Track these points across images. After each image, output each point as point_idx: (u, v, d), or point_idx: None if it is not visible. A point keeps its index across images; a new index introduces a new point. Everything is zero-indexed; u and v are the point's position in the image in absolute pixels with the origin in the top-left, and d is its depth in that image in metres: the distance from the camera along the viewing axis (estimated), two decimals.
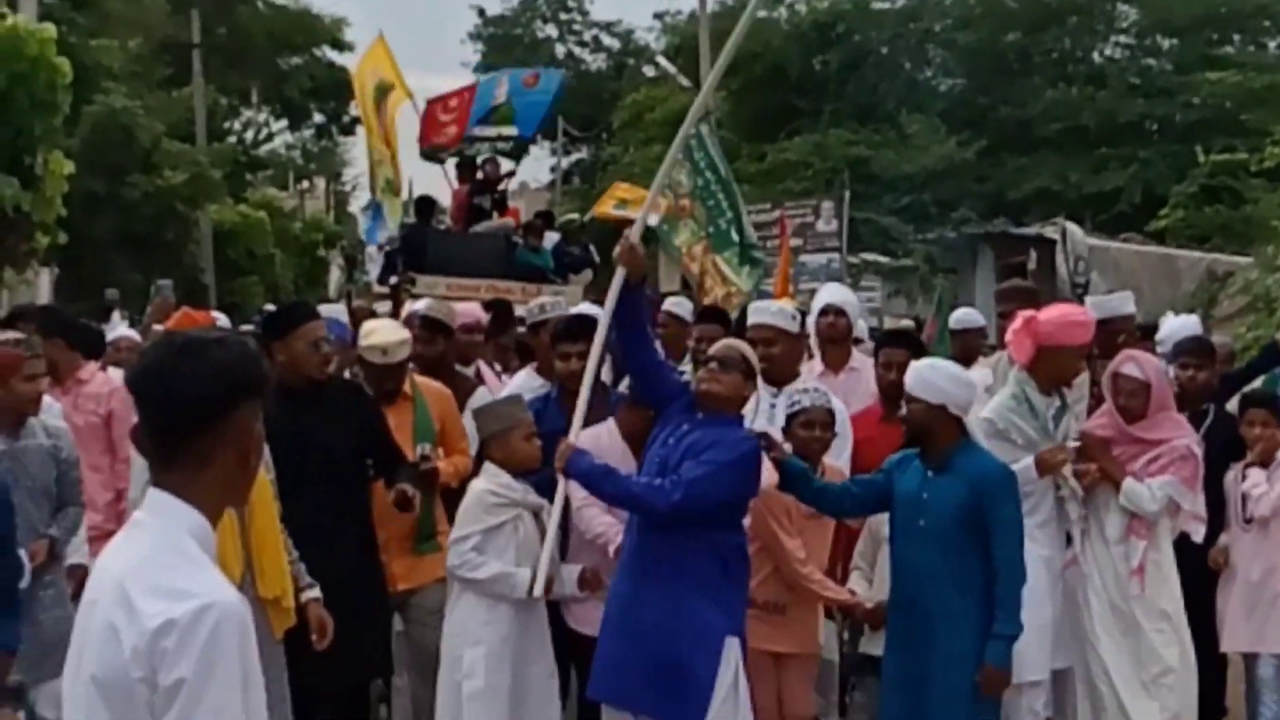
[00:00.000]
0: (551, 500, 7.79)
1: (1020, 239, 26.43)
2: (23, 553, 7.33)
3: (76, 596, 6.94)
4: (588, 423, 7.74)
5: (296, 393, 7.54)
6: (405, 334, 8.68)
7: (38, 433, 7.68)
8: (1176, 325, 9.64)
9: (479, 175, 20.99)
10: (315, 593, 6.99)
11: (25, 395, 7.55)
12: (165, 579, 3.12)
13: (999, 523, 7.09)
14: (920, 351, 8.76)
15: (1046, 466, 7.90)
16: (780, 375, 8.59)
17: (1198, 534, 8.20)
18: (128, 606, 3.09)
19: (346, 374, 9.21)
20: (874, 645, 7.83)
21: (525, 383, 9.22)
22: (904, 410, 7.41)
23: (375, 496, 8.13)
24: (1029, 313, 8.48)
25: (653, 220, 8.72)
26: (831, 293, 10.14)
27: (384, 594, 7.97)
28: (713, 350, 7.28)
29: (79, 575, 7.58)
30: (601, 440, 7.80)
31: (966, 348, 11.22)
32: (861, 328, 10.52)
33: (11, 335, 7.90)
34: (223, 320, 11.63)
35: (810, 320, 9.90)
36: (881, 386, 8.82)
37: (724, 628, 6.94)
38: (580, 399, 7.39)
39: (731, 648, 6.93)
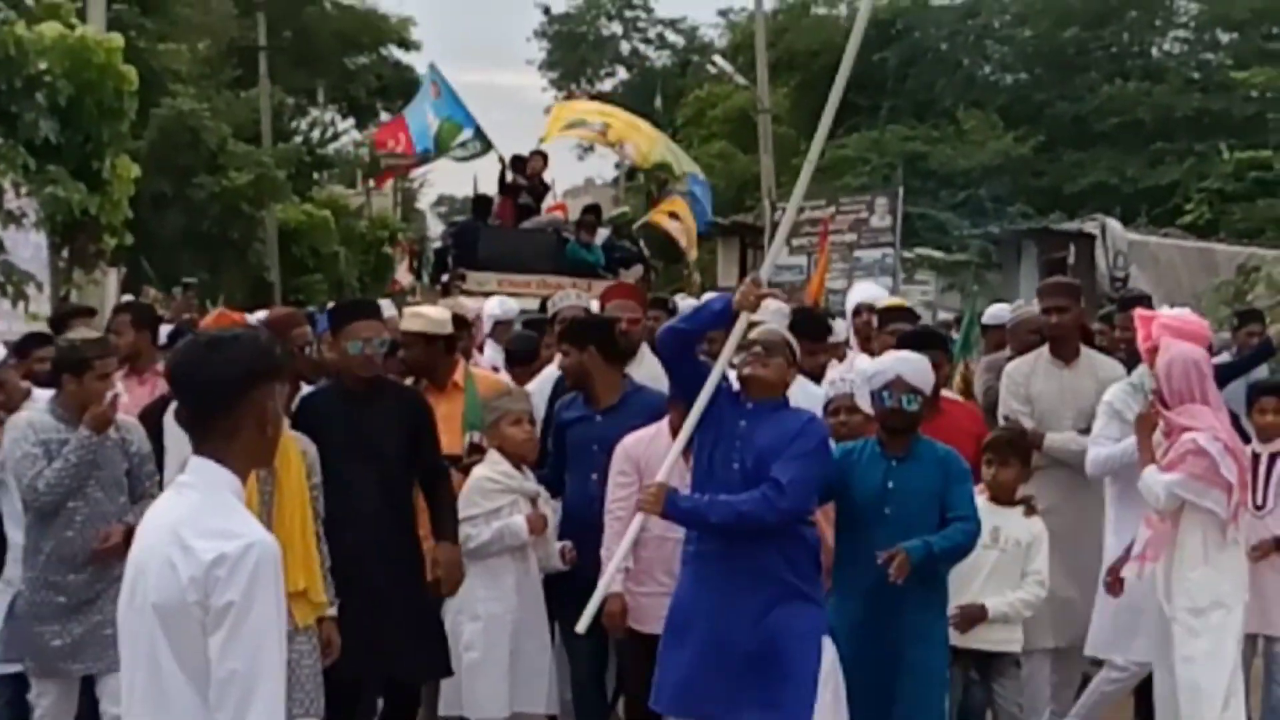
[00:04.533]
0: (556, 493, 8.40)
1: (1061, 234, 26.69)
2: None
3: None
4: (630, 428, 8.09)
5: (352, 392, 7.75)
6: (445, 313, 9.09)
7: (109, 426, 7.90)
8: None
9: (526, 171, 21.14)
10: (331, 611, 7.19)
11: (98, 391, 7.82)
12: (214, 524, 3.85)
13: (963, 496, 7.33)
14: (946, 350, 9.09)
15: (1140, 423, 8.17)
16: None
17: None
18: (183, 546, 3.83)
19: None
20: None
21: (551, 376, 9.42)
22: (894, 405, 7.38)
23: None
24: (1149, 312, 8.88)
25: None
26: (862, 291, 10.48)
27: (431, 593, 8.03)
28: (755, 335, 7.25)
29: None
30: (654, 441, 7.87)
31: (998, 342, 11.59)
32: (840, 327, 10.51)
33: (91, 334, 8.35)
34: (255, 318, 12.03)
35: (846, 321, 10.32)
36: None
37: (822, 628, 6.94)
38: (675, 445, 7.17)
39: (829, 649, 6.91)
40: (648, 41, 66.93)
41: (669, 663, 7.03)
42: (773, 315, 8.80)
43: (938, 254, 30.49)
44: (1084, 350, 9.46)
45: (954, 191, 35.68)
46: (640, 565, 7.89)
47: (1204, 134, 36.57)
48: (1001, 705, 8.14)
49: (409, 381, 8.89)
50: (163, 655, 3.84)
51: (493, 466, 8.24)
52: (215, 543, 3.80)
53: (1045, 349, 9.49)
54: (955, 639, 7.83)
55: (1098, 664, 10.20)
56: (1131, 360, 9.85)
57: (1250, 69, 34.19)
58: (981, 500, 7.93)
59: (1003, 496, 8.18)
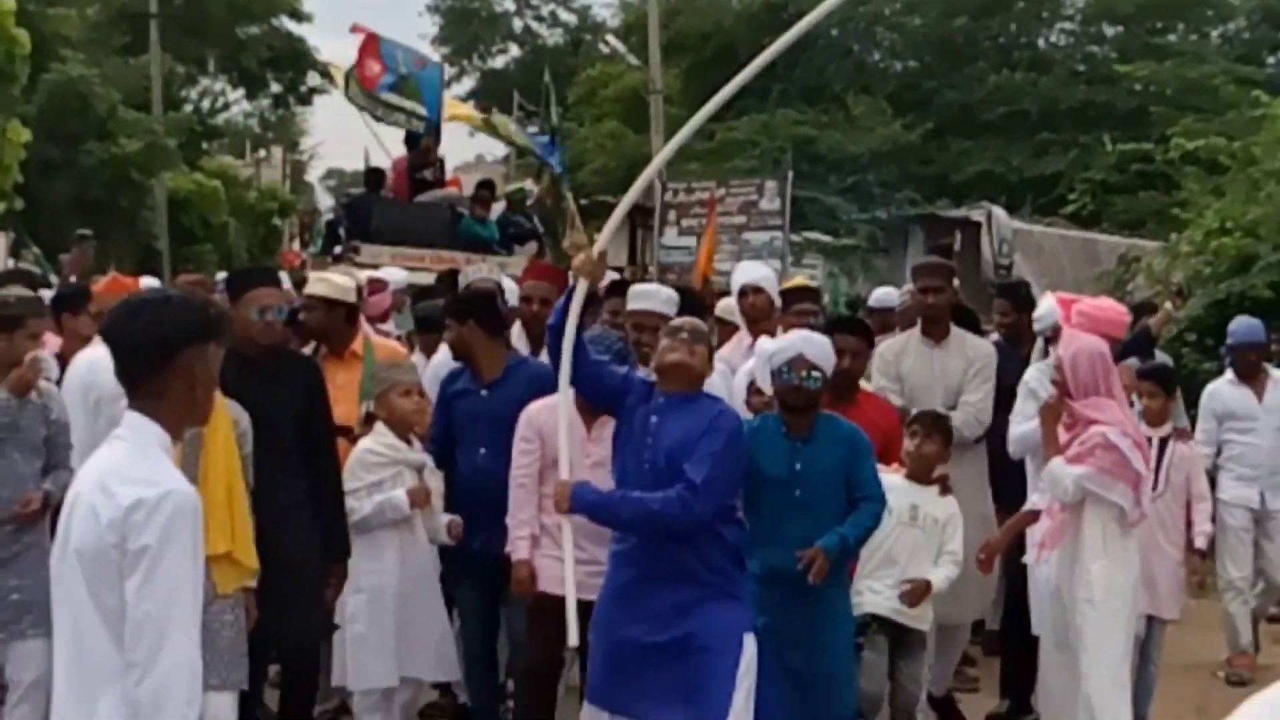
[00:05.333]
0: (441, 466, 8.45)
1: (948, 221, 27.06)
2: None
3: None
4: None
5: (249, 359, 7.57)
6: (350, 281, 9.22)
7: (31, 390, 7.95)
8: (1053, 306, 9.75)
9: (421, 146, 20.98)
10: (250, 582, 7.11)
11: (25, 351, 7.86)
12: (137, 472, 3.99)
13: (868, 473, 7.41)
14: (871, 338, 9.06)
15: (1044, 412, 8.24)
16: None
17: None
18: (107, 492, 3.97)
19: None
20: (878, 605, 8.05)
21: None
22: (794, 382, 7.37)
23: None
24: (1070, 296, 9.03)
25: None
26: (747, 272, 10.39)
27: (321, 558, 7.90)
28: (678, 322, 7.23)
29: None
30: (557, 409, 7.62)
31: (884, 325, 11.81)
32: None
33: (22, 293, 8.38)
34: (154, 284, 12.03)
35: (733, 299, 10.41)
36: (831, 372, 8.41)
37: (744, 625, 6.82)
38: (560, 433, 7.17)
39: (749, 645, 6.79)
40: (540, 19, 66.62)
41: (596, 660, 7.02)
42: (663, 303, 8.91)
43: (826, 238, 30.71)
44: (954, 330, 9.64)
45: (843, 176, 35.91)
46: (544, 531, 7.99)
47: (1088, 125, 37.01)
48: (903, 683, 8.23)
49: (308, 348, 8.99)
50: (82, 600, 3.98)
51: (377, 439, 8.30)
52: (135, 489, 3.94)
53: (916, 328, 9.69)
54: (881, 609, 8.03)
55: (978, 642, 10.52)
56: (1008, 345, 10.14)
57: (1134, 62, 34.50)
58: (899, 479, 8.12)
59: (922, 473, 8.25)
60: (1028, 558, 8.34)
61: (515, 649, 8.55)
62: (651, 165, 7.58)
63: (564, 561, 7.06)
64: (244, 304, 7.66)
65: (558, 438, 7.47)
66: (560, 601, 7.50)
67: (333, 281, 9.09)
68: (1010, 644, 9.61)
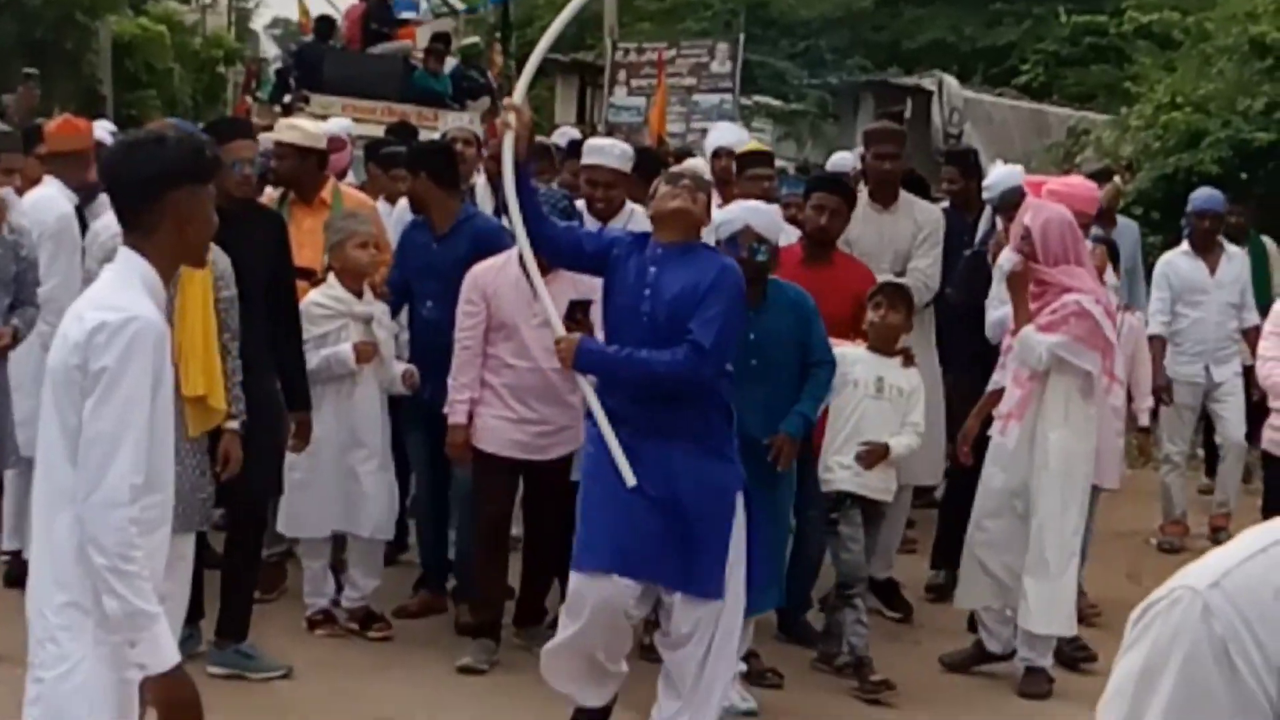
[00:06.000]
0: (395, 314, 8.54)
1: (899, 88, 27.01)
2: None
3: None
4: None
5: (220, 210, 7.59)
6: (320, 127, 9.35)
7: (1, 225, 7.98)
8: (1003, 174, 9.97)
9: None
10: (234, 424, 7.20)
11: None
12: (110, 299, 4.10)
13: (819, 337, 7.57)
14: (852, 198, 9.06)
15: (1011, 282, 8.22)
16: (612, 214, 8.67)
17: (1118, 398, 8.45)
18: (79, 317, 4.08)
19: None
20: (848, 482, 8.14)
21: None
22: (742, 254, 7.34)
23: None
24: (1038, 178, 9.08)
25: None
26: (722, 135, 10.48)
27: (281, 411, 8.02)
28: (679, 169, 7.29)
29: None
30: (503, 269, 7.83)
31: None
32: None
33: (2, 127, 8.34)
34: (109, 127, 11.92)
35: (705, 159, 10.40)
36: (809, 230, 8.68)
37: (737, 484, 6.82)
38: (539, 292, 6.96)
39: (740, 504, 6.81)
40: None
41: (593, 518, 6.85)
42: (617, 158, 8.89)
43: (776, 102, 30.62)
44: (903, 195, 9.65)
45: (794, 41, 35.65)
46: (489, 390, 8.02)
47: None
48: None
49: (275, 192, 9.03)
50: (50, 420, 4.11)
51: (324, 291, 8.34)
52: (102, 313, 4.06)
53: (864, 193, 9.66)
54: (850, 485, 8.12)
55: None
56: (956, 212, 10.18)
57: None
58: (863, 351, 8.17)
59: (885, 344, 8.27)
60: (993, 430, 8.31)
61: (461, 502, 8.62)
62: (566, 11, 7.28)
63: (605, 427, 6.73)
64: (223, 155, 7.53)
65: (505, 299, 7.64)
66: (503, 461, 7.59)
67: (304, 129, 9.11)
68: (954, 516, 9.72)
